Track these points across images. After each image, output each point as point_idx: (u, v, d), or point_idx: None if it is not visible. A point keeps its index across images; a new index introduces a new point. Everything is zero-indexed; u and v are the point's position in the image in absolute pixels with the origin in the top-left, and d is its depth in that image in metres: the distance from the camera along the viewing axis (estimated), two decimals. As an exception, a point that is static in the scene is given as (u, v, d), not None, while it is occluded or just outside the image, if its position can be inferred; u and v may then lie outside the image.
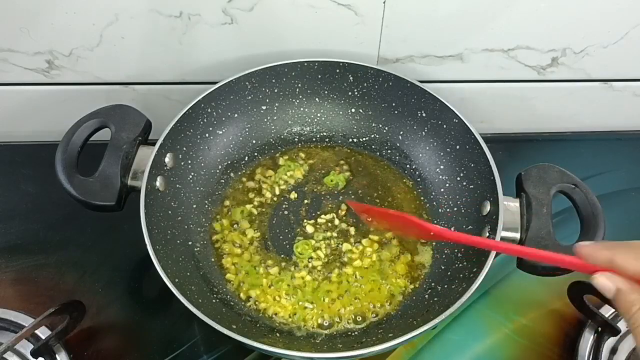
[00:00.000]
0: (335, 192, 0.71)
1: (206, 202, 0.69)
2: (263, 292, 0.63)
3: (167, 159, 0.64)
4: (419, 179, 0.72)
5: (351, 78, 0.72)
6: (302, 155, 0.74)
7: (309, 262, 0.65)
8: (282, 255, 0.66)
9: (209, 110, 0.68)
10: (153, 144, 0.62)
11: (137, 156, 0.62)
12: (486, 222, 0.61)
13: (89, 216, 0.61)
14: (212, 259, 0.65)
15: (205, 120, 0.69)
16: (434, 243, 0.67)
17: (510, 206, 0.60)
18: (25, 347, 0.58)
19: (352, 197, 0.71)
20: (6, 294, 0.64)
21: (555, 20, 0.69)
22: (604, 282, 0.38)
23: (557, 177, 0.61)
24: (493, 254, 0.55)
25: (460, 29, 0.70)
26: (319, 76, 0.72)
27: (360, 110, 0.74)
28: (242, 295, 0.63)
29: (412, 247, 0.67)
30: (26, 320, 0.58)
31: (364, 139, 0.75)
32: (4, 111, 0.76)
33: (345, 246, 0.66)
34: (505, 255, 0.65)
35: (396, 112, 0.72)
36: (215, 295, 0.62)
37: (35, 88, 0.73)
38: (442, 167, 0.70)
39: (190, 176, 0.69)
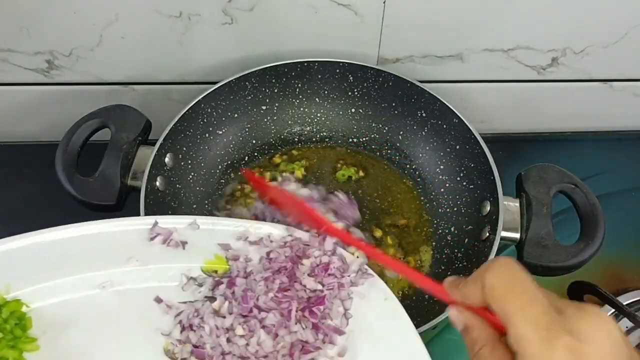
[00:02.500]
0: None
1: (206, 202, 0.69)
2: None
3: (167, 159, 0.64)
4: (419, 179, 0.72)
5: (351, 78, 0.72)
6: (302, 155, 0.74)
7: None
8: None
9: (209, 110, 0.69)
10: (153, 144, 0.62)
11: (137, 156, 0.62)
12: (486, 222, 0.61)
13: (89, 216, 0.61)
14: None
15: (205, 120, 0.69)
16: (433, 243, 0.67)
17: (510, 206, 0.60)
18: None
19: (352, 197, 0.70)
20: (6, 294, 0.64)
21: (555, 20, 0.69)
22: (453, 316, 0.38)
23: (557, 177, 0.61)
24: (493, 254, 0.56)
25: (460, 29, 0.70)
26: (319, 76, 0.72)
27: (360, 110, 0.74)
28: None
29: (412, 247, 0.67)
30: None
31: (364, 139, 0.75)
32: (4, 111, 0.76)
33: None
34: (506, 256, 0.65)
35: (396, 112, 0.72)
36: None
37: (35, 88, 0.73)
38: (442, 167, 0.70)
39: (190, 176, 0.69)
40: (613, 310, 0.62)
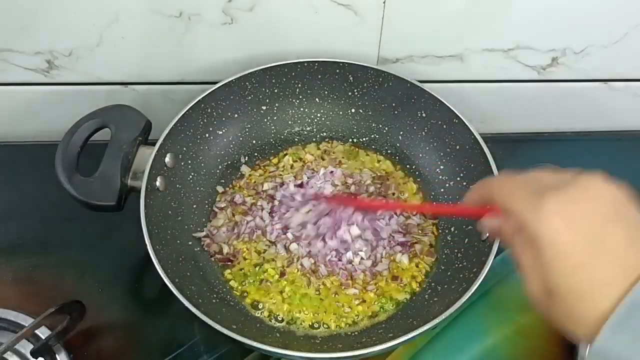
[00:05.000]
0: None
1: (206, 202, 0.69)
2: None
3: (167, 159, 0.64)
4: (419, 179, 0.71)
5: (351, 78, 0.72)
6: (303, 155, 0.74)
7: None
8: (282, 255, 0.66)
9: (209, 110, 0.68)
10: (153, 144, 0.62)
11: (137, 156, 0.62)
12: (486, 222, 0.61)
13: (89, 216, 0.61)
14: (213, 259, 0.65)
15: (205, 120, 0.69)
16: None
17: (510, 206, 0.59)
18: (25, 347, 0.58)
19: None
20: (6, 294, 0.64)
21: (555, 20, 0.69)
22: (486, 223, 0.43)
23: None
24: (493, 254, 0.56)
25: (460, 29, 0.70)
26: (319, 76, 0.72)
27: (360, 110, 0.74)
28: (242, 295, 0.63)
29: (412, 247, 0.67)
30: (26, 320, 0.58)
31: (364, 139, 0.75)
32: (4, 111, 0.76)
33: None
34: (506, 255, 0.65)
35: (396, 112, 0.72)
36: (215, 295, 0.62)
37: (35, 88, 0.73)
38: (442, 167, 0.70)
39: (190, 176, 0.69)
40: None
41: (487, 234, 0.46)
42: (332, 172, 0.71)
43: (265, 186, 0.70)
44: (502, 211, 0.40)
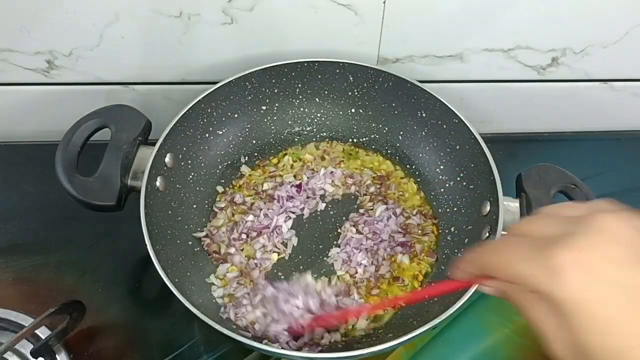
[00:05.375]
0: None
1: (206, 202, 0.69)
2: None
3: (167, 159, 0.64)
4: (419, 179, 0.71)
5: (351, 78, 0.72)
6: (302, 155, 0.74)
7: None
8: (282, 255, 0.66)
9: (209, 110, 0.68)
10: (153, 144, 0.62)
11: (137, 156, 0.62)
12: (486, 222, 0.61)
13: (89, 216, 0.61)
14: (212, 259, 0.65)
15: (205, 120, 0.69)
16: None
17: (510, 206, 0.60)
18: (25, 347, 0.58)
19: (356, 208, 0.70)
20: (6, 294, 0.64)
21: (555, 20, 0.69)
22: (486, 290, 0.38)
23: (557, 177, 0.61)
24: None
25: (460, 29, 0.70)
26: (319, 76, 0.72)
27: (360, 110, 0.74)
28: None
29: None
30: (26, 320, 0.58)
31: (364, 139, 0.75)
32: (4, 111, 0.76)
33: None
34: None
35: (396, 112, 0.72)
36: (215, 295, 0.62)
37: (35, 88, 0.73)
38: (442, 167, 0.70)
39: (190, 176, 0.69)
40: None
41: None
42: (332, 172, 0.71)
43: (265, 186, 0.70)
44: (503, 281, 0.34)
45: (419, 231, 0.67)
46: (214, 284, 0.63)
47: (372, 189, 0.70)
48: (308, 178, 0.70)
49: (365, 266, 0.64)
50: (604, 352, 0.29)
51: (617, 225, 0.30)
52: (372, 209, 0.68)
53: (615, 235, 0.30)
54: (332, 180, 0.70)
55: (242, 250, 0.65)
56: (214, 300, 0.62)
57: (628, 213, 0.31)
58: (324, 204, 0.69)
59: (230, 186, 0.71)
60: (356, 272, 0.64)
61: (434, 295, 0.55)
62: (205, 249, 0.65)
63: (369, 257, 0.65)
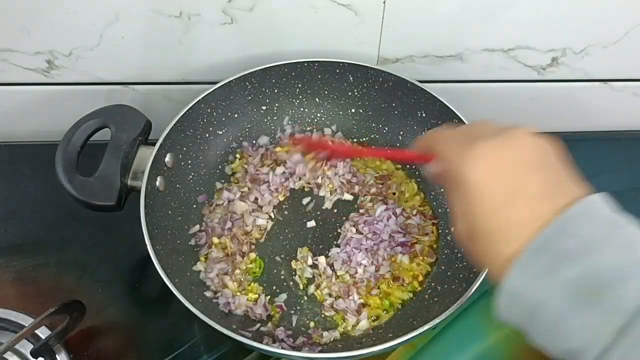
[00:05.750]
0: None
1: (206, 202, 0.69)
2: (263, 292, 0.63)
3: (167, 159, 0.64)
4: (419, 179, 0.71)
5: (351, 78, 0.72)
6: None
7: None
8: (283, 256, 0.66)
9: (209, 110, 0.69)
10: (153, 144, 0.62)
11: (137, 156, 0.62)
12: (486, 222, 0.60)
13: (89, 216, 0.61)
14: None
15: (205, 120, 0.69)
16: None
17: (510, 206, 0.59)
18: (25, 347, 0.58)
19: (356, 207, 0.70)
20: (6, 294, 0.64)
21: (555, 20, 0.69)
22: (430, 168, 0.45)
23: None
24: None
25: (460, 29, 0.70)
26: (319, 76, 0.72)
27: (360, 110, 0.74)
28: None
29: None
30: (26, 320, 0.58)
31: (364, 139, 0.75)
32: (4, 111, 0.76)
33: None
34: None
35: (396, 112, 0.72)
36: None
37: (35, 88, 0.73)
38: (442, 167, 0.70)
39: (190, 176, 0.69)
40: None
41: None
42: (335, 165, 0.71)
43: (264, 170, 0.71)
44: (440, 158, 0.42)
45: (419, 231, 0.67)
46: (201, 270, 0.63)
47: (373, 190, 0.70)
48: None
49: (365, 266, 0.64)
50: (485, 233, 0.36)
51: (532, 138, 0.38)
52: (372, 209, 0.68)
53: (527, 145, 0.37)
54: (337, 171, 0.71)
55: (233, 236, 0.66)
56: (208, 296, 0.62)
57: (542, 136, 0.38)
58: (330, 202, 0.69)
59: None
60: (356, 272, 0.64)
61: (395, 158, 0.70)
62: (198, 242, 0.65)
63: (369, 257, 0.65)
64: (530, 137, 0.38)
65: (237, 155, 0.72)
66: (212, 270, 0.63)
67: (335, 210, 0.69)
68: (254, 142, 0.74)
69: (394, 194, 0.70)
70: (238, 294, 0.62)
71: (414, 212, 0.68)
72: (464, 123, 0.65)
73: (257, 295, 0.62)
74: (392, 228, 0.66)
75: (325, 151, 0.55)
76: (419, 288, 0.63)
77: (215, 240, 0.65)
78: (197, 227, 0.66)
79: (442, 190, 0.70)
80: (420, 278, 0.64)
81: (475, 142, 0.37)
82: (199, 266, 0.64)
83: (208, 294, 0.62)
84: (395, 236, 0.66)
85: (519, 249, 0.34)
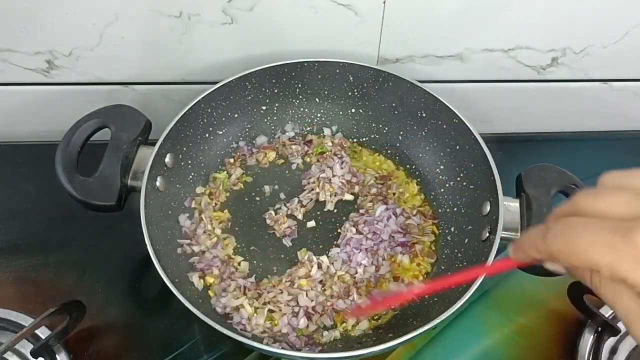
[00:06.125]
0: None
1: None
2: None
3: (167, 159, 0.64)
4: (419, 179, 0.71)
5: (351, 78, 0.72)
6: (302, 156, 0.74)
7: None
8: (283, 256, 0.66)
9: (209, 110, 0.68)
10: (153, 144, 0.62)
11: (137, 156, 0.62)
12: (486, 222, 0.61)
13: (89, 216, 0.61)
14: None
15: (205, 120, 0.69)
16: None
17: (510, 206, 0.60)
18: (25, 347, 0.58)
19: (356, 208, 0.70)
20: (6, 294, 0.64)
21: (555, 20, 0.69)
22: (552, 267, 0.35)
23: (557, 177, 0.61)
24: (493, 254, 0.56)
25: (460, 29, 0.70)
26: (319, 76, 0.72)
27: (360, 110, 0.74)
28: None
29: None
30: (26, 320, 0.58)
31: (364, 139, 0.75)
32: (4, 111, 0.76)
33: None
34: (505, 256, 0.65)
35: (396, 112, 0.72)
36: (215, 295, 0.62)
37: (35, 88, 0.73)
38: (442, 167, 0.70)
39: (190, 176, 0.69)
40: (612, 311, 0.62)
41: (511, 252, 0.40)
42: (344, 161, 0.72)
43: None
44: (577, 268, 0.33)
45: (419, 231, 0.67)
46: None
47: (373, 190, 0.70)
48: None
49: (366, 266, 0.64)
50: None
51: None
52: (372, 209, 0.68)
53: None
54: (342, 164, 0.71)
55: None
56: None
57: None
58: (332, 204, 0.69)
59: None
60: (356, 272, 0.64)
61: (491, 273, 0.61)
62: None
63: (369, 257, 0.65)
64: None
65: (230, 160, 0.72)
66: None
67: (335, 211, 0.69)
68: (253, 142, 0.74)
69: (394, 194, 0.70)
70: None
71: (414, 212, 0.68)
72: (464, 123, 0.65)
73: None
74: (392, 228, 0.66)
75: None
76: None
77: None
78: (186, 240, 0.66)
79: (442, 190, 0.70)
80: (420, 278, 0.64)
81: (633, 236, 0.28)
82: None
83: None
84: (395, 236, 0.66)
85: None
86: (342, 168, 0.71)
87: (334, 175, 0.70)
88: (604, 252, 0.29)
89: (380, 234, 0.66)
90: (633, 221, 0.29)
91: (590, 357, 0.60)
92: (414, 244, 0.66)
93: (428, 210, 0.69)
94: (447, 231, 0.67)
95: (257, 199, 0.70)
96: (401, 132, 0.73)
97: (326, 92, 0.74)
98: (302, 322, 0.60)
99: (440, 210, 0.69)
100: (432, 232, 0.67)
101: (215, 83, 0.67)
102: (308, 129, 0.75)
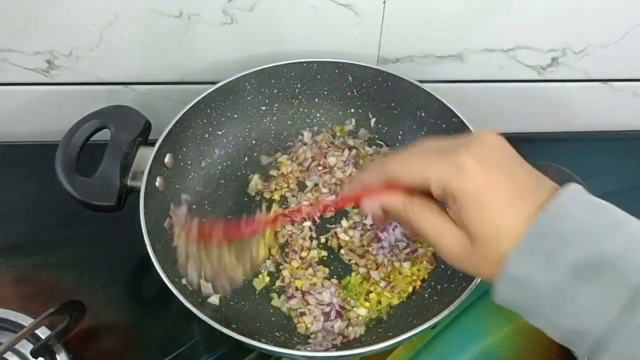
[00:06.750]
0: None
1: (206, 202, 0.69)
2: (263, 292, 0.63)
3: (166, 159, 0.64)
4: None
5: (351, 78, 0.72)
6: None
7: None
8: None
9: (209, 110, 0.68)
10: (153, 144, 0.62)
11: (137, 156, 0.62)
12: (486, 222, 0.60)
13: (89, 216, 0.61)
14: (212, 259, 0.65)
15: (205, 120, 0.69)
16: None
17: (510, 206, 0.59)
18: (25, 347, 0.58)
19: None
20: (6, 294, 0.64)
21: (555, 20, 0.69)
22: (367, 205, 0.43)
23: (557, 177, 0.61)
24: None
25: (460, 29, 0.70)
26: (319, 76, 0.72)
27: (360, 111, 0.74)
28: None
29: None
30: (26, 320, 0.58)
31: (364, 139, 0.75)
32: (4, 111, 0.76)
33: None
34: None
35: (396, 112, 0.72)
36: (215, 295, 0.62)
37: (35, 88, 0.73)
38: (442, 167, 0.70)
39: (190, 176, 0.69)
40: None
41: (372, 217, 0.47)
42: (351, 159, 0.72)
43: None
44: (409, 185, 0.40)
45: None
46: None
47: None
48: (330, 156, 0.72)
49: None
50: (488, 234, 0.37)
51: (497, 140, 0.40)
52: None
53: (497, 145, 0.40)
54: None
55: None
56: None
57: (499, 135, 0.41)
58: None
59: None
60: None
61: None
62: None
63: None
64: (495, 137, 0.40)
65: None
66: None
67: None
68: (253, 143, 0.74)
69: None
70: None
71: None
72: (464, 123, 0.65)
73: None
74: (397, 237, 0.66)
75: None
76: (419, 289, 0.63)
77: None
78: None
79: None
80: (417, 283, 0.64)
81: (458, 154, 0.38)
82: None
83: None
84: (399, 245, 0.65)
85: (520, 238, 0.36)
86: (345, 163, 0.71)
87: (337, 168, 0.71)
88: (435, 166, 0.38)
89: (382, 242, 0.65)
90: (450, 147, 0.39)
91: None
92: (417, 249, 0.65)
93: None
94: (447, 231, 0.67)
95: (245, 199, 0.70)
96: (401, 132, 0.73)
97: (326, 92, 0.74)
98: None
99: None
100: None
101: (215, 83, 0.67)
102: (307, 129, 0.75)
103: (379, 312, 0.62)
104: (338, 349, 0.58)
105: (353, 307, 0.61)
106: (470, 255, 0.38)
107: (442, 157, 0.38)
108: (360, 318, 0.61)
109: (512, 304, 0.37)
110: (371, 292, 0.63)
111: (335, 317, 0.60)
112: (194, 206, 0.68)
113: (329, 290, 0.62)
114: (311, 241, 0.66)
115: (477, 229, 0.37)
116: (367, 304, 0.62)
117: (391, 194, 0.42)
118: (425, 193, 0.40)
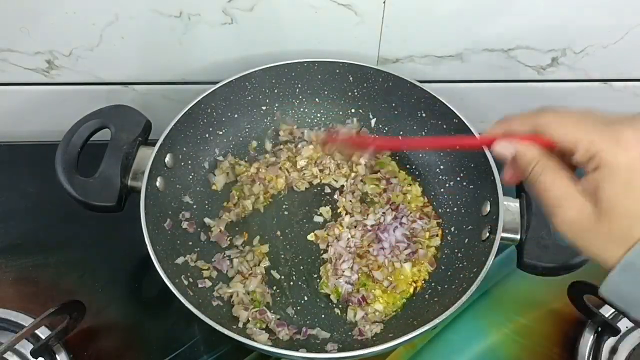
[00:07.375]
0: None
1: (206, 202, 0.69)
2: (263, 292, 0.63)
3: (167, 159, 0.64)
4: (419, 179, 0.71)
5: (351, 78, 0.72)
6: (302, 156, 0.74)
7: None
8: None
9: (209, 110, 0.68)
10: (153, 144, 0.62)
11: (137, 156, 0.62)
12: (486, 222, 0.61)
13: (89, 216, 0.61)
14: (212, 259, 0.65)
15: (205, 120, 0.69)
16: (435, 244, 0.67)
17: (510, 206, 0.59)
18: (25, 347, 0.58)
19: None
20: (6, 294, 0.64)
21: (556, 20, 0.69)
22: (503, 146, 0.44)
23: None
24: (493, 254, 0.55)
25: (460, 29, 0.70)
26: (319, 76, 0.72)
27: (360, 111, 0.74)
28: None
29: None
30: (26, 320, 0.58)
31: (364, 139, 0.75)
32: (4, 111, 0.76)
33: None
34: (506, 256, 0.65)
35: (396, 112, 0.72)
36: (215, 295, 0.62)
37: (35, 88, 0.73)
38: (442, 167, 0.70)
39: (190, 176, 0.69)
40: (613, 310, 0.62)
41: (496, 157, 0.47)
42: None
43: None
44: (556, 141, 0.41)
45: (426, 233, 0.66)
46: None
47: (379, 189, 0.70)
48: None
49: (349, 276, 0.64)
50: (624, 212, 0.36)
51: None
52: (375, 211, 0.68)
53: None
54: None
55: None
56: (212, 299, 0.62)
57: None
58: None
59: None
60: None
61: (463, 145, 0.63)
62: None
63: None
64: None
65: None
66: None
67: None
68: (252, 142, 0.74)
69: (397, 196, 0.69)
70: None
71: (417, 214, 0.68)
72: (464, 123, 0.65)
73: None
74: (398, 238, 0.66)
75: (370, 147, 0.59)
76: (419, 290, 0.63)
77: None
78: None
79: (442, 190, 0.70)
80: (419, 284, 0.64)
81: (618, 126, 0.38)
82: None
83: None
84: (399, 245, 0.65)
85: None
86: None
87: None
88: (591, 131, 0.39)
89: (383, 242, 0.66)
90: (611, 121, 0.39)
91: (590, 357, 0.61)
92: (418, 249, 0.65)
93: (431, 211, 0.69)
94: (447, 231, 0.67)
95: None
96: (401, 132, 0.73)
97: (326, 92, 0.74)
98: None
99: (440, 210, 0.69)
100: (438, 234, 0.67)
101: (215, 83, 0.67)
102: (307, 129, 0.75)
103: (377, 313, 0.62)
104: (340, 350, 0.58)
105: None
106: (593, 230, 0.37)
107: (603, 126, 0.38)
108: (377, 314, 0.61)
109: (621, 295, 0.36)
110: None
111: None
112: (194, 206, 0.68)
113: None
114: None
115: (615, 205, 0.36)
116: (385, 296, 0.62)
117: (530, 144, 0.41)
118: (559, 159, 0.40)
